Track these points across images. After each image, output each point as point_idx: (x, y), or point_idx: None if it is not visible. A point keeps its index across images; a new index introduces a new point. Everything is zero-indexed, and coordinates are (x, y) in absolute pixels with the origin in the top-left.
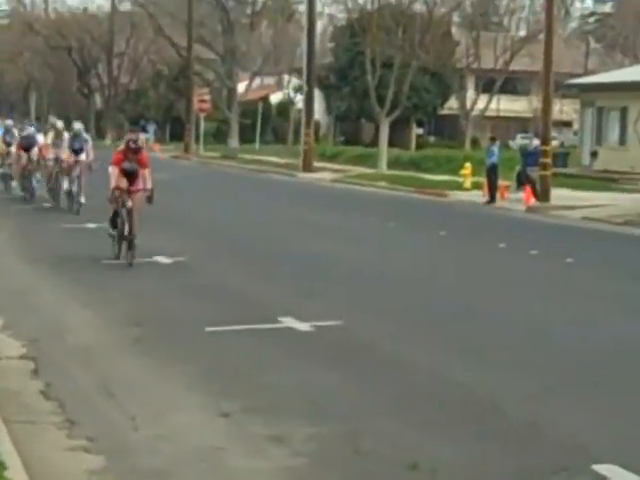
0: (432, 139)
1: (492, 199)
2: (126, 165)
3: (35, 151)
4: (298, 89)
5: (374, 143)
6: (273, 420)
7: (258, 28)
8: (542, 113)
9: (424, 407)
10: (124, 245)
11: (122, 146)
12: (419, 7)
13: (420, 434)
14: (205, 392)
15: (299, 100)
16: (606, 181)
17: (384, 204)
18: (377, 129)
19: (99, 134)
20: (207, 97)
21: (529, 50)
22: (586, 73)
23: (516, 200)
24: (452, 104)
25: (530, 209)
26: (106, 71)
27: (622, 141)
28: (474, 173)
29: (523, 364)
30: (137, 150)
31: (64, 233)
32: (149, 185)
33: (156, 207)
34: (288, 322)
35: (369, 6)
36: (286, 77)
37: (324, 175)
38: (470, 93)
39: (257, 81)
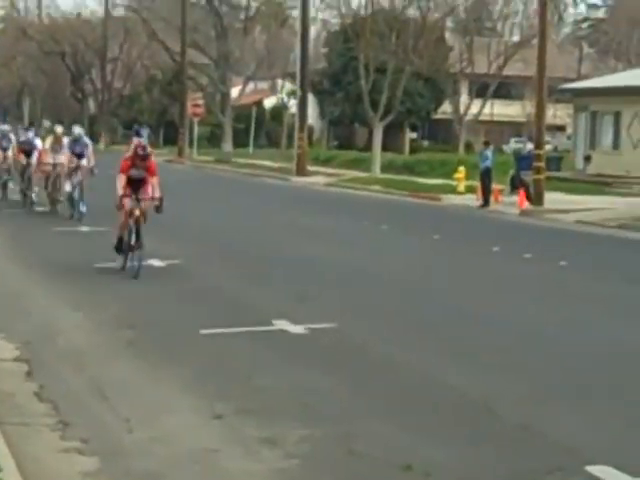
0: (426, 143)
1: (486, 203)
2: (133, 172)
3: (35, 156)
4: (292, 94)
5: (368, 147)
6: (266, 422)
7: (251, 33)
8: (535, 117)
9: (417, 409)
10: (130, 256)
11: (129, 152)
12: (413, 12)
13: (413, 436)
14: (199, 394)
15: (293, 105)
16: (600, 185)
17: (378, 208)
18: (371, 133)
19: (93, 139)
20: (201, 102)
21: (522, 55)
22: (579, 78)
23: (510, 204)
24: (446, 108)
25: (524, 213)
26: (100, 76)
27: (615, 145)
28: (468, 177)
29: (516, 367)
30: (145, 157)
31: (57, 236)
32: (157, 193)
33: (150, 210)
34: (282, 325)
35: (362, 11)
36: (280, 82)
37: (318, 179)
38: (464, 98)
39: (251, 86)
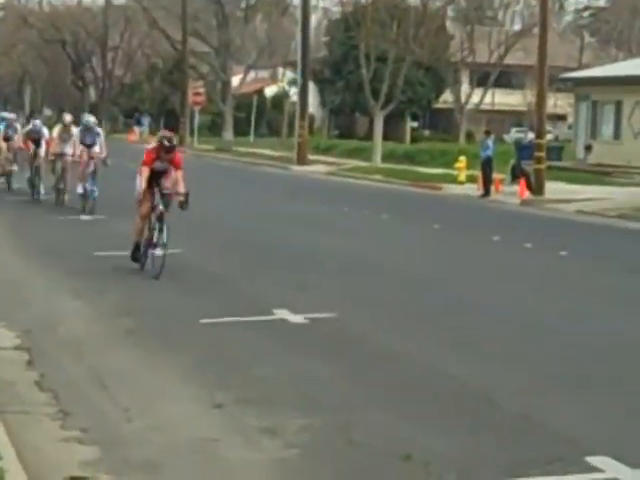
0: (426, 133)
1: (486, 192)
2: (158, 165)
3: (43, 145)
4: (292, 82)
5: (368, 137)
6: (266, 412)
7: (252, 21)
8: (536, 107)
9: (417, 399)
10: (151, 255)
11: (154, 144)
12: (413, 1)
13: (413, 426)
14: (199, 383)
15: (293, 93)
16: (600, 175)
17: (378, 197)
18: (371, 123)
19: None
20: (202, 90)
21: (523, 44)
22: (580, 67)
23: (510, 193)
24: (447, 98)
25: (524, 202)
26: (100, 64)
27: (616, 135)
28: (468, 166)
29: (516, 357)
30: (171, 149)
31: (57, 225)
32: (182, 188)
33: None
34: (282, 314)
35: (363, 0)
36: (280, 70)
37: (318, 168)
38: (464, 87)
39: (251, 74)
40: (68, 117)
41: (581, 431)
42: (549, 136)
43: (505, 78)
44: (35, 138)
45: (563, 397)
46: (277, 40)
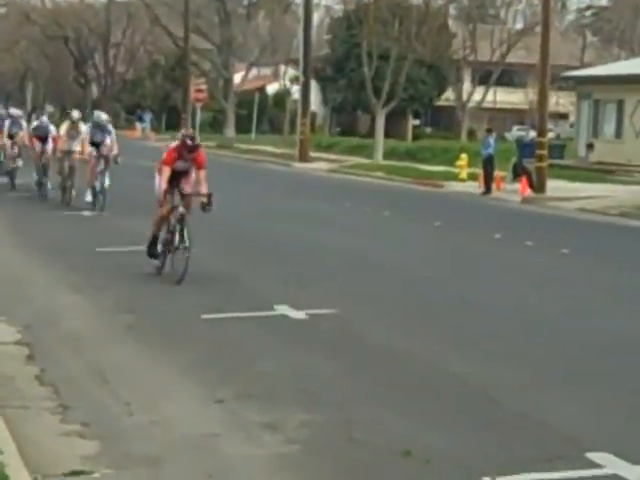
0: (428, 130)
1: (488, 190)
2: (180, 165)
3: (50, 142)
4: (294, 80)
5: (370, 134)
6: (267, 407)
7: (255, 19)
8: (538, 105)
9: (419, 396)
10: (170, 258)
11: (176, 142)
12: None
13: (414, 423)
14: (199, 379)
15: (295, 91)
16: (602, 173)
17: (380, 194)
18: (373, 120)
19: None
20: (204, 87)
21: (526, 43)
22: (582, 66)
23: (512, 191)
24: (449, 95)
25: (526, 200)
26: (103, 61)
27: (618, 134)
28: (470, 164)
29: (518, 354)
30: (195, 148)
31: (59, 221)
32: (204, 189)
33: (150, 195)
34: (283, 310)
35: None
36: (283, 68)
37: (320, 165)
38: (466, 85)
39: (254, 71)
40: (76, 113)
41: (582, 428)
42: (551, 134)
43: (507, 76)
44: (42, 135)
45: (564, 395)
46: (279, 37)
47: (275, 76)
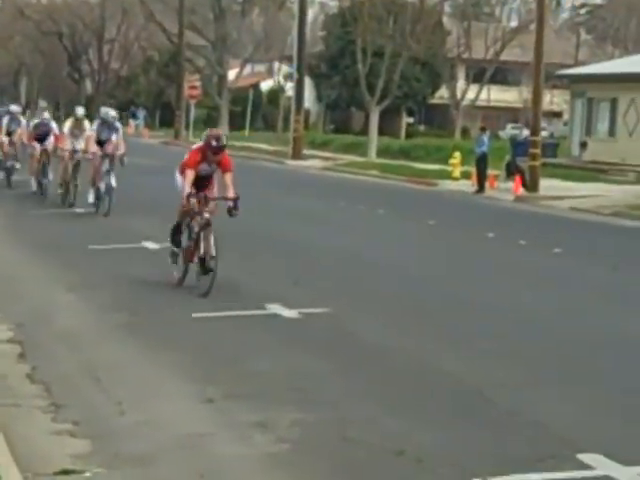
0: (422, 128)
1: (481, 188)
2: (204, 167)
3: (50, 140)
4: (289, 77)
5: (364, 132)
6: (258, 406)
7: (249, 15)
8: (532, 103)
9: (412, 395)
10: (192, 268)
11: (200, 143)
12: None
13: (408, 422)
14: (191, 378)
15: (289, 88)
16: (595, 172)
17: (373, 192)
18: (367, 118)
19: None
20: (197, 84)
21: (520, 41)
22: (577, 64)
23: (505, 190)
24: (442, 93)
25: (519, 199)
26: (97, 57)
27: (612, 132)
28: (463, 162)
29: (512, 353)
30: (220, 149)
31: (52, 218)
32: (232, 193)
33: (145, 192)
34: (275, 309)
35: None
36: (277, 65)
37: (314, 163)
38: (461, 83)
39: (248, 68)
40: (80, 110)
41: (575, 428)
42: (544, 133)
43: (501, 74)
44: (42, 134)
45: (558, 394)
46: (274, 34)
47: (269, 73)
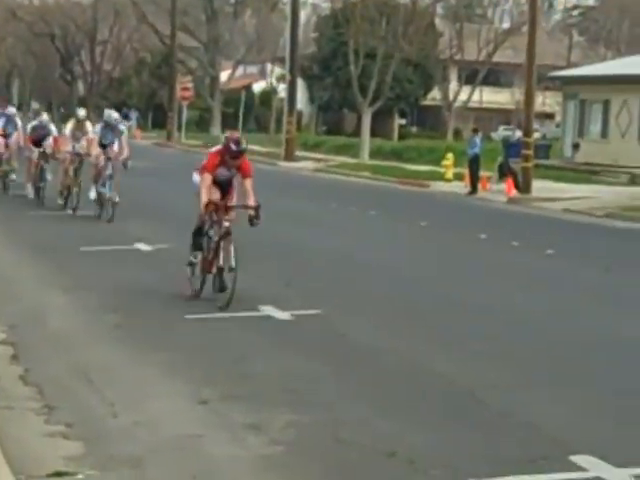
0: (414, 130)
1: (474, 190)
2: (222, 172)
3: (49, 143)
4: (281, 78)
5: (356, 133)
6: (252, 408)
7: (242, 17)
8: (524, 105)
9: (404, 397)
10: (210, 279)
11: (218, 146)
12: None
13: (400, 423)
14: (184, 379)
15: (282, 89)
16: (588, 173)
17: (366, 194)
18: (359, 119)
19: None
20: (190, 85)
21: (512, 42)
22: (569, 66)
23: (497, 191)
24: (435, 95)
25: (511, 200)
26: (89, 58)
27: (604, 134)
28: (456, 164)
29: (504, 355)
30: (240, 153)
31: (44, 220)
32: (252, 201)
33: (138, 194)
34: (268, 311)
35: None
36: (269, 66)
37: (306, 164)
38: (453, 84)
39: (240, 70)
40: (82, 111)
41: (567, 429)
42: (537, 134)
43: (493, 76)
44: (40, 135)
45: (550, 395)
46: (266, 36)
47: (262, 74)
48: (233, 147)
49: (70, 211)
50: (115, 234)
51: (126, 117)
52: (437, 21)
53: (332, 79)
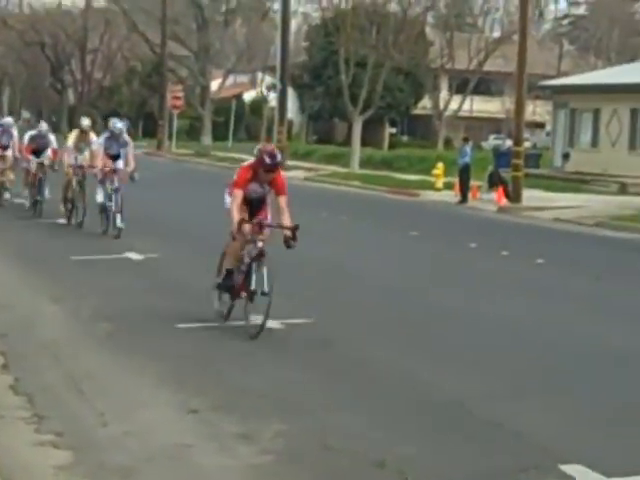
0: (405, 139)
1: (464, 199)
2: (254, 189)
3: (48, 154)
4: (272, 87)
5: (347, 142)
6: (242, 417)
7: (232, 26)
8: (515, 114)
9: (394, 406)
10: (240, 302)
11: (251, 160)
12: (393, 7)
13: (389, 433)
14: (174, 389)
15: (272, 98)
16: (578, 183)
17: (356, 203)
18: (350, 128)
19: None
20: (180, 94)
21: (503, 51)
22: (559, 75)
23: (488, 200)
24: (425, 104)
25: (502, 210)
26: (79, 67)
27: (594, 143)
28: (446, 173)
29: (494, 364)
30: (274, 167)
31: (33, 229)
32: (287, 220)
33: (129, 202)
34: (259, 320)
35: (343, 5)
36: (260, 75)
37: (297, 174)
38: (443, 93)
39: (231, 79)
40: (86, 121)
41: (556, 439)
42: (527, 143)
43: (484, 85)
44: (40, 146)
45: (539, 405)
46: (256, 45)
47: (252, 83)
48: (267, 160)
49: (77, 227)
50: (106, 243)
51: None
52: (428, 30)
53: (323, 88)
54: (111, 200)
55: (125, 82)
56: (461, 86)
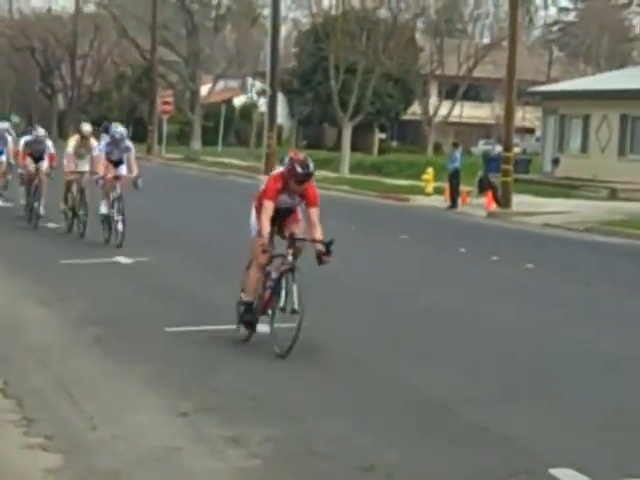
0: (395, 144)
1: (454, 204)
2: (284, 200)
3: (45, 163)
4: (261, 92)
5: (337, 147)
6: (230, 421)
7: (222, 31)
8: (504, 120)
9: (381, 410)
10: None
11: (281, 169)
12: (383, 13)
13: (378, 437)
14: (163, 392)
15: (262, 103)
16: (567, 188)
17: (346, 208)
18: (340, 134)
19: (62, 135)
20: (170, 99)
21: (493, 57)
22: (549, 81)
23: (477, 206)
24: (415, 109)
25: (491, 215)
26: (69, 72)
27: (584, 149)
28: (436, 178)
29: (482, 369)
30: (306, 177)
31: (22, 233)
32: (319, 234)
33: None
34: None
35: (333, 11)
36: (249, 81)
37: None
38: (433, 99)
39: (220, 84)
40: (87, 127)
41: (546, 443)
42: (517, 149)
43: (474, 91)
44: (37, 152)
45: (529, 409)
46: (246, 50)
47: (242, 88)
48: (299, 169)
49: (79, 237)
50: (95, 247)
51: (106, 130)
52: (417, 36)
53: (312, 94)
54: (113, 207)
55: (115, 87)
56: (451, 92)
